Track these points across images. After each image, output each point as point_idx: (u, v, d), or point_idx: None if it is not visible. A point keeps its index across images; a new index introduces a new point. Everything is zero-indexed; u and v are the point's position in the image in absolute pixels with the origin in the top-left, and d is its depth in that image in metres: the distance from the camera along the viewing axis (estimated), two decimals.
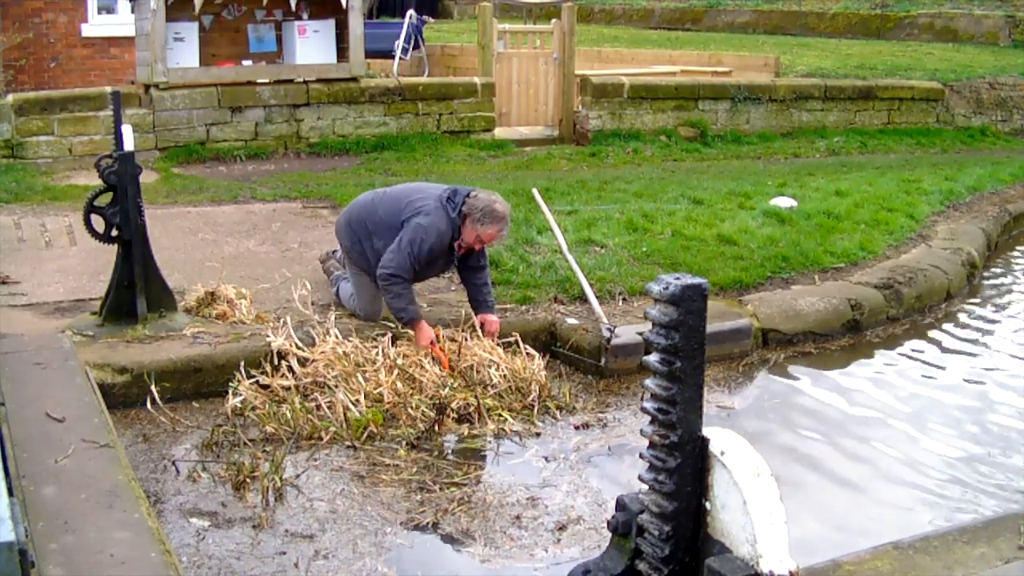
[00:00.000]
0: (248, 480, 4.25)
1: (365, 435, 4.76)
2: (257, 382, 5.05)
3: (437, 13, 24.19)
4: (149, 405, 4.89)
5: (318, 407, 4.89)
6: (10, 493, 2.29)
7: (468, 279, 5.70)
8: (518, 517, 4.13)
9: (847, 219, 8.43)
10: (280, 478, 4.25)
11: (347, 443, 4.72)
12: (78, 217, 5.71)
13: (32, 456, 3.48)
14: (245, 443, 4.59)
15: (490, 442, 4.86)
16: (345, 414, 4.85)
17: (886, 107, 13.72)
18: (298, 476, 4.38)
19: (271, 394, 5.00)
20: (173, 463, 4.43)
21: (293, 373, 5.12)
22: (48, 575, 2.78)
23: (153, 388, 4.91)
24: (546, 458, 4.68)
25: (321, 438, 4.73)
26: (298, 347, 5.24)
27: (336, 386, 4.98)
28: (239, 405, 4.92)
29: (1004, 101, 14.64)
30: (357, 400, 4.92)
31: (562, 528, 4.05)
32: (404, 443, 4.74)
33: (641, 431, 2.80)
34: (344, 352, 5.20)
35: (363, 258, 5.62)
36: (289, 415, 4.79)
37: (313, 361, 5.15)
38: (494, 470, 4.61)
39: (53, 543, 2.94)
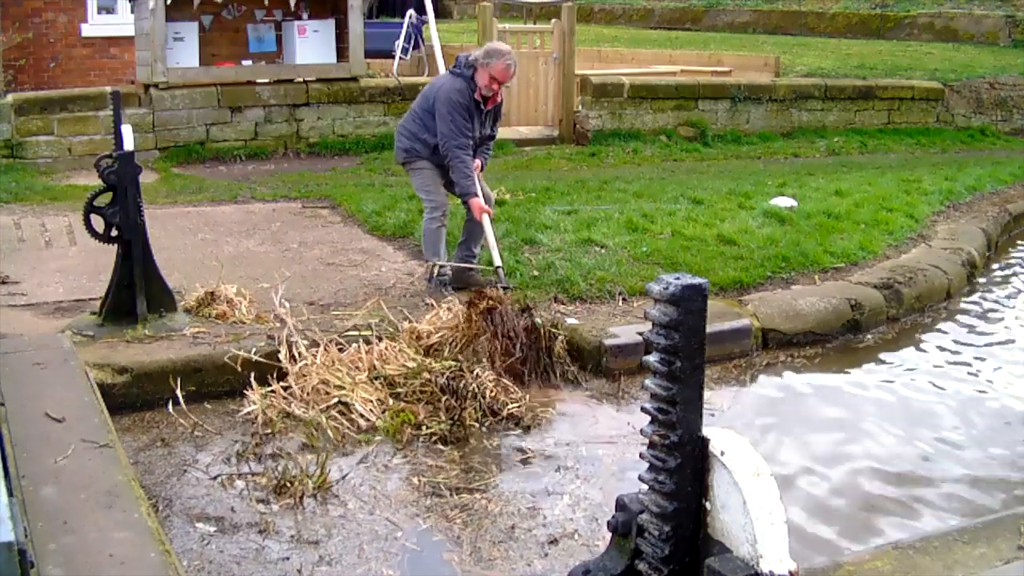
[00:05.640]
0: (288, 485, 4.21)
1: (406, 438, 4.75)
2: (271, 392, 5.00)
3: (437, 13, 24.17)
4: (171, 408, 4.88)
5: (333, 418, 4.86)
6: (10, 493, 2.29)
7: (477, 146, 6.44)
8: (512, 528, 4.06)
9: (847, 219, 8.43)
10: (318, 484, 4.22)
11: (392, 445, 4.71)
12: (78, 217, 5.70)
13: (32, 456, 3.48)
14: (282, 453, 4.55)
15: (516, 444, 4.82)
16: (372, 418, 4.85)
17: (886, 107, 13.73)
18: (337, 482, 4.33)
19: (281, 410, 4.92)
20: (215, 477, 4.36)
21: (288, 387, 5.07)
22: (48, 575, 2.78)
23: (178, 391, 4.90)
24: (558, 468, 4.61)
25: (360, 443, 4.70)
26: (292, 359, 5.19)
27: (347, 397, 4.96)
28: (258, 415, 4.86)
29: (1004, 101, 14.64)
30: (373, 404, 4.93)
31: (553, 542, 3.96)
32: (440, 439, 4.75)
33: (641, 431, 2.80)
34: (333, 360, 5.19)
35: (425, 147, 6.29)
36: (318, 430, 4.76)
37: (304, 376, 5.10)
38: (508, 476, 4.55)
39: (53, 543, 2.94)
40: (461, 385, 5.01)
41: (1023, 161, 12.10)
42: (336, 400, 4.95)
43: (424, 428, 4.81)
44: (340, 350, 5.28)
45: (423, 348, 5.30)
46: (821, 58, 15.94)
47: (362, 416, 4.87)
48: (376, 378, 5.13)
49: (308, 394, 4.99)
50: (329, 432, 4.75)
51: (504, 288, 5.90)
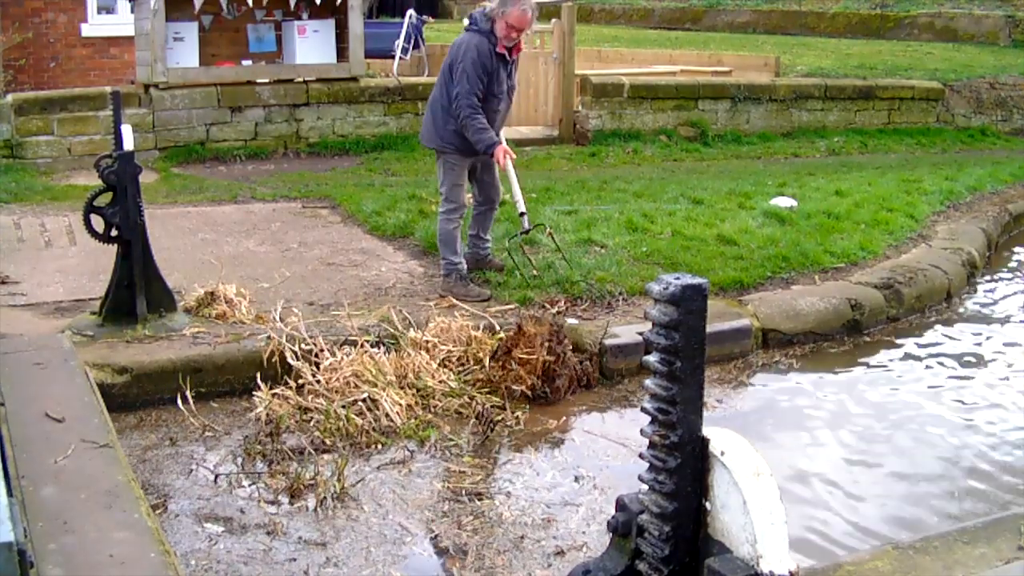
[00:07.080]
0: (303, 488, 4.21)
1: (428, 446, 4.75)
2: (277, 394, 4.98)
3: (437, 13, 24.20)
4: (181, 404, 4.90)
5: (360, 414, 4.85)
6: (9, 493, 2.29)
7: None
8: (522, 538, 4.02)
9: (847, 219, 8.43)
10: (341, 486, 4.21)
11: (407, 448, 4.70)
12: (78, 217, 5.71)
13: (32, 456, 3.47)
14: (290, 453, 4.54)
15: (537, 452, 4.82)
16: (396, 421, 4.85)
17: (886, 107, 13.72)
18: (354, 484, 4.31)
19: (296, 404, 4.92)
20: (216, 476, 4.37)
21: (302, 387, 5.05)
22: (48, 575, 2.78)
23: (188, 390, 4.91)
24: (576, 478, 4.58)
25: (378, 445, 4.70)
26: (315, 357, 5.20)
27: (377, 394, 4.95)
28: (267, 414, 4.85)
29: (1004, 101, 14.63)
30: (401, 408, 4.93)
31: (559, 554, 3.91)
32: (464, 449, 4.75)
33: (641, 431, 2.79)
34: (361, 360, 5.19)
35: (458, 135, 6.11)
36: (340, 425, 4.75)
37: (333, 370, 5.09)
38: (527, 484, 4.51)
39: (52, 543, 2.94)
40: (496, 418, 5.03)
41: (1023, 161, 12.10)
42: (365, 396, 4.93)
43: (448, 440, 4.83)
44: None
45: (436, 360, 5.33)
46: (821, 58, 15.93)
47: (387, 415, 4.86)
48: (407, 386, 5.14)
49: (334, 390, 4.98)
50: (350, 428, 4.73)
51: (525, 231, 6.51)
